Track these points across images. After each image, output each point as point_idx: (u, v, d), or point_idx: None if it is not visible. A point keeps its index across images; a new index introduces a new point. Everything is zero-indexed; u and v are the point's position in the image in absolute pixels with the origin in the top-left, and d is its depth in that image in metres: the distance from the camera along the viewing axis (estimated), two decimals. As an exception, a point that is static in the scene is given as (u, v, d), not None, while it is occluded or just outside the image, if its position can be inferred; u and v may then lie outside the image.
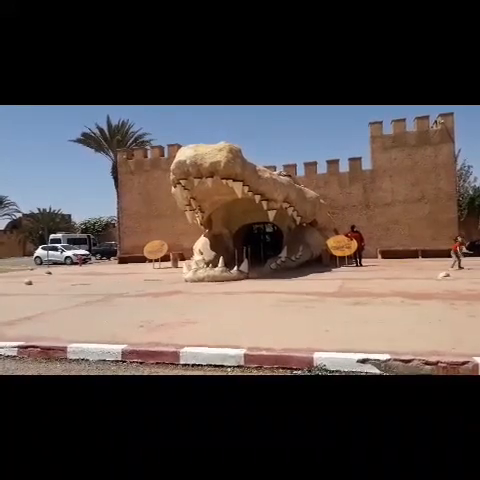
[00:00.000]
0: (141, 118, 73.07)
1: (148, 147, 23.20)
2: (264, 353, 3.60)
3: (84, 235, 34.61)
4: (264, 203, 10.65)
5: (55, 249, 25.47)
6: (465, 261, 11.67)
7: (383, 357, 3.34)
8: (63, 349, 4.08)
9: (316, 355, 3.46)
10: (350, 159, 18.22)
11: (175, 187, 10.27)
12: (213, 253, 11.45)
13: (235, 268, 10.26)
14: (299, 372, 3.38)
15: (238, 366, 3.56)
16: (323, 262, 13.72)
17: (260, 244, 15.78)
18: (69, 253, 25.05)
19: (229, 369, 3.54)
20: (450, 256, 11.77)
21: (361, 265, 13.34)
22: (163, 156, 20.73)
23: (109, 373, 3.59)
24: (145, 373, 3.55)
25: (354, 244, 13.38)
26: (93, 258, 27.86)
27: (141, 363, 3.77)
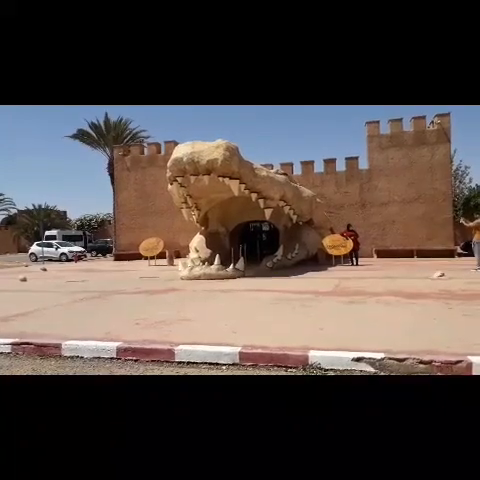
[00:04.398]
0: (138, 114, 72.75)
1: (145, 144, 23.05)
2: (259, 351, 3.60)
3: (80, 232, 34.48)
4: (261, 201, 10.64)
5: (50, 246, 25.36)
6: (461, 261, 11.70)
7: (378, 356, 3.35)
8: (57, 346, 4.06)
9: (311, 353, 3.47)
10: (347, 158, 18.22)
11: (171, 184, 10.24)
12: (209, 251, 11.43)
13: (231, 266, 10.26)
14: (294, 370, 3.39)
15: (233, 364, 3.56)
16: (319, 261, 13.75)
17: (256, 242, 15.78)
18: (64, 250, 24.95)
19: (224, 367, 3.54)
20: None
21: (357, 264, 13.38)
22: (160, 153, 20.59)
23: (104, 370, 3.58)
24: (140, 370, 3.54)
25: (350, 243, 13.44)
26: (88, 255, 27.73)
27: (136, 360, 3.76)
